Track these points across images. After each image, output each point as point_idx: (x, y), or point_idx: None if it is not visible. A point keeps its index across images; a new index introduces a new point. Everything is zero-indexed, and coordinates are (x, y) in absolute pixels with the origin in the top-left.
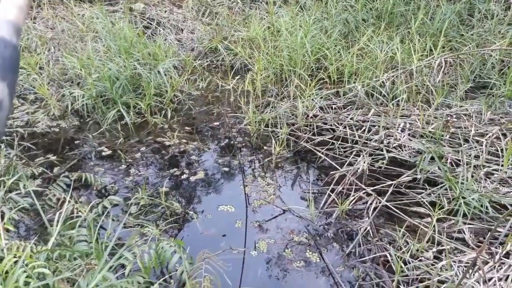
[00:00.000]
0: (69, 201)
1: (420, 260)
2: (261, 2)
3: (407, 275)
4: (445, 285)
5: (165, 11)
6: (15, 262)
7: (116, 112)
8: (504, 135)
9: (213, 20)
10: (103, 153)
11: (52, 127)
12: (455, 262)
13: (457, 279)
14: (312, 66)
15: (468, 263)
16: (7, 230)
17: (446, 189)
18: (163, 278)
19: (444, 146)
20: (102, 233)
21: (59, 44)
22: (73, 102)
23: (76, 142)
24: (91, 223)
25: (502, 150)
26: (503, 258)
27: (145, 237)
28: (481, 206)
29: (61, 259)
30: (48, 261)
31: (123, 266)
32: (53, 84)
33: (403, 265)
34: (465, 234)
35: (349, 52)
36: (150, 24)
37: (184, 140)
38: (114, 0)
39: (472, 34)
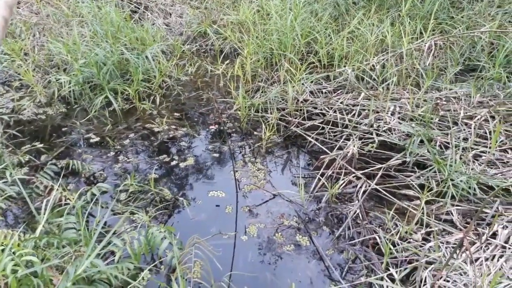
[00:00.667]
0: (57, 189)
1: (409, 242)
2: None
3: (396, 257)
4: (433, 265)
5: None
6: (2, 250)
7: (104, 98)
8: (493, 117)
9: (202, 3)
10: (91, 140)
11: (39, 114)
12: (443, 243)
13: (445, 260)
14: (302, 50)
15: (456, 244)
16: None
17: (435, 172)
18: (153, 264)
19: (434, 129)
20: (92, 220)
21: (44, 30)
22: (60, 88)
23: (63, 129)
24: (79, 211)
25: (490, 132)
26: (489, 238)
27: (135, 224)
28: (469, 188)
29: (50, 247)
30: (36, 249)
31: (113, 253)
32: (38, 70)
33: (392, 247)
34: (453, 216)
35: (340, 36)
36: (138, 8)
37: (173, 126)
38: None
39: (462, 17)
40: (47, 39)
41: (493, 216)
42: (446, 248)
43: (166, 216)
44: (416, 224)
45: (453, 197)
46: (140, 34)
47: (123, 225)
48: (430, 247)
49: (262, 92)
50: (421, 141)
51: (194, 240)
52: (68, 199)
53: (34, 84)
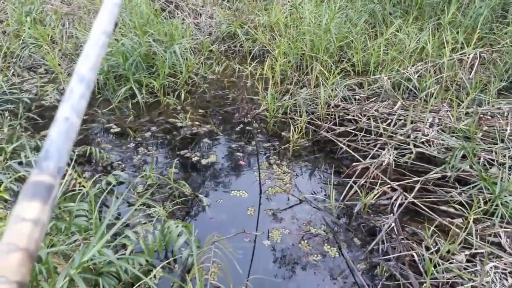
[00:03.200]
0: (70, 174)
1: (451, 263)
2: None
3: (436, 278)
4: None
5: None
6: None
7: (128, 89)
8: None
9: (233, 5)
10: (112, 130)
11: (61, 101)
12: (491, 268)
13: (494, 286)
14: (335, 55)
15: (505, 269)
16: (5, 201)
17: (479, 189)
18: (167, 261)
19: (480, 144)
20: (105, 211)
21: (74, 20)
22: None
23: (84, 117)
24: (92, 198)
25: None
26: None
27: (151, 218)
28: None
29: (58, 232)
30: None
31: (124, 246)
32: (65, 58)
33: (432, 267)
34: (501, 238)
35: (376, 43)
36: (168, 5)
37: (197, 123)
38: None
39: (506, 33)
40: (76, 29)
41: None
42: (495, 273)
43: (184, 213)
44: (459, 244)
45: (501, 217)
46: (170, 30)
47: (137, 217)
48: (478, 270)
49: (291, 94)
50: (463, 156)
51: (214, 238)
52: (83, 186)
53: (59, 71)
